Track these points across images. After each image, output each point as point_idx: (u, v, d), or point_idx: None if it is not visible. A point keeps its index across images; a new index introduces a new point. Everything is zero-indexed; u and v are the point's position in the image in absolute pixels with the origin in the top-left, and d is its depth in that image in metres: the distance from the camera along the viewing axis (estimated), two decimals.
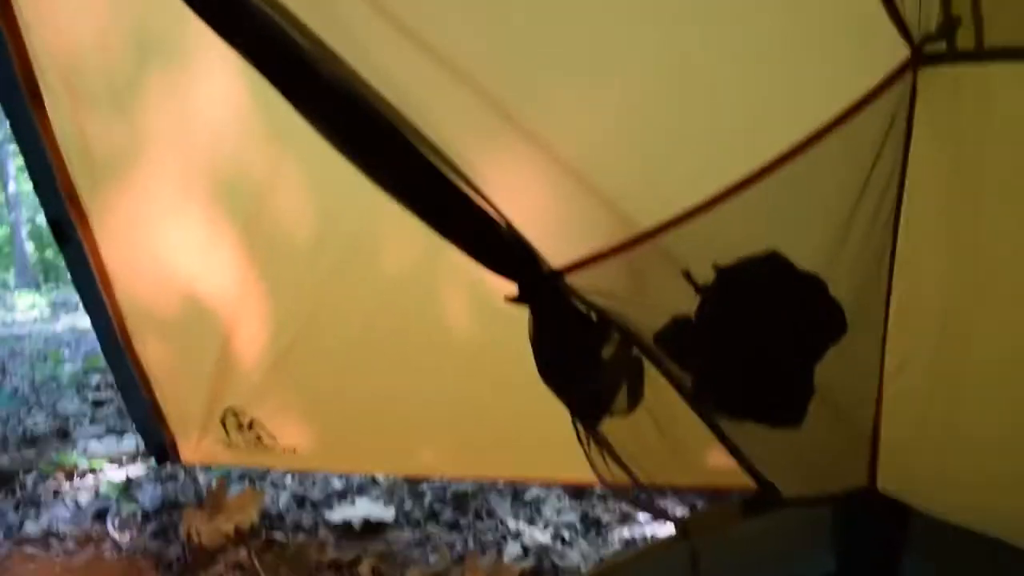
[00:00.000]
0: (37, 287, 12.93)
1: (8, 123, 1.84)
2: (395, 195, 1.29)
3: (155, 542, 2.43)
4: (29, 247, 14.31)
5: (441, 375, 1.93)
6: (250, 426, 2.32)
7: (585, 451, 1.51)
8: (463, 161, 1.33)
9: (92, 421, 3.76)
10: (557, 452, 1.61)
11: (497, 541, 2.22)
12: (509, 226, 1.34)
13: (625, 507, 2.29)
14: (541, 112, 1.35)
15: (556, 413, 1.46)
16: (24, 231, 14.00)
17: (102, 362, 5.29)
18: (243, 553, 2.31)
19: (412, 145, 1.27)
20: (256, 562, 2.28)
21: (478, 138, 1.37)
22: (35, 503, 2.82)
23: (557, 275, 1.37)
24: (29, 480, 3.01)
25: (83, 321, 9.55)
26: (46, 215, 1.92)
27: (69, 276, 2.06)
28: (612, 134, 1.36)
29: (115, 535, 2.51)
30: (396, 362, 1.98)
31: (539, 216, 1.38)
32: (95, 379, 4.81)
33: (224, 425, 2.37)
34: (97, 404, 4.12)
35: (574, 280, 1.38)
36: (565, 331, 1.39)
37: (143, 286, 2.08)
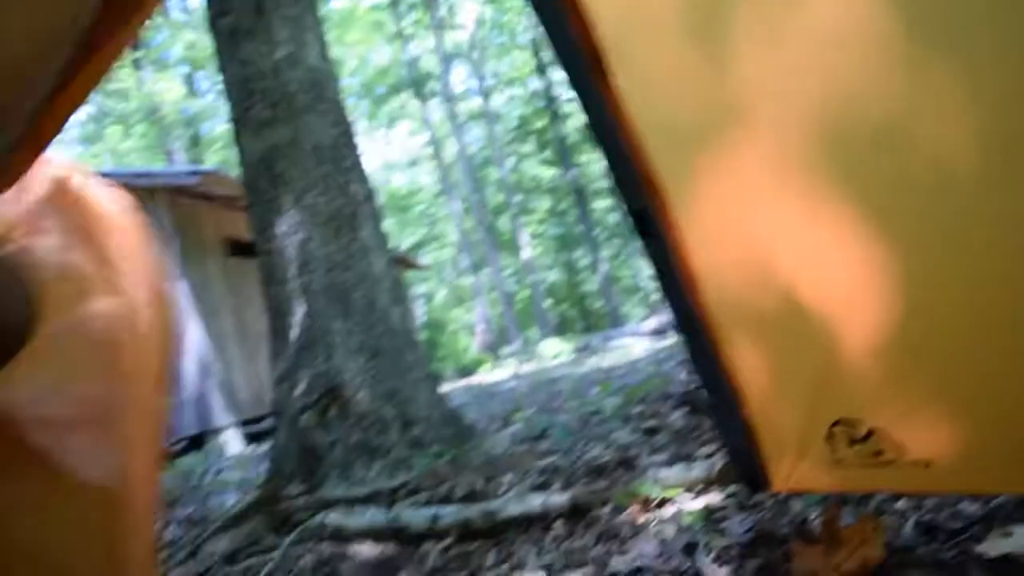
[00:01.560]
0: (558, 335, 14.45)
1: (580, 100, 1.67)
2: None
3: None
4: (546, 303, 16.18)
5: None
6: (867, 438, 1.90)
7: None
8: None
9: (651, 451, 3.66)
10: None
11: None
12: None
13: None
14: None
15: None
16: (541, 290, 15.88)
17: (642, 393, 5.36)
18: None
19: None
20: None
21: None
22: (616, 537, 2.74)
23: None
24: (605, 512, 2.96)
25: (605, 362, 10.29)
26: (628, 207, 1.73)
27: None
28: None
29: (711, 573, 2.27)
30: None
31: None
32: (637, 410, 4.82)
33: (831, 441, 1.98)
34: (649, 432, 4.05)
35: None
36: None
37: (734, 280, 1.80)
